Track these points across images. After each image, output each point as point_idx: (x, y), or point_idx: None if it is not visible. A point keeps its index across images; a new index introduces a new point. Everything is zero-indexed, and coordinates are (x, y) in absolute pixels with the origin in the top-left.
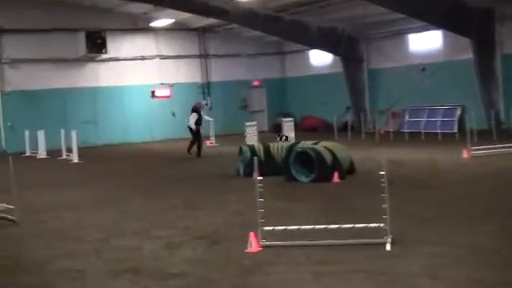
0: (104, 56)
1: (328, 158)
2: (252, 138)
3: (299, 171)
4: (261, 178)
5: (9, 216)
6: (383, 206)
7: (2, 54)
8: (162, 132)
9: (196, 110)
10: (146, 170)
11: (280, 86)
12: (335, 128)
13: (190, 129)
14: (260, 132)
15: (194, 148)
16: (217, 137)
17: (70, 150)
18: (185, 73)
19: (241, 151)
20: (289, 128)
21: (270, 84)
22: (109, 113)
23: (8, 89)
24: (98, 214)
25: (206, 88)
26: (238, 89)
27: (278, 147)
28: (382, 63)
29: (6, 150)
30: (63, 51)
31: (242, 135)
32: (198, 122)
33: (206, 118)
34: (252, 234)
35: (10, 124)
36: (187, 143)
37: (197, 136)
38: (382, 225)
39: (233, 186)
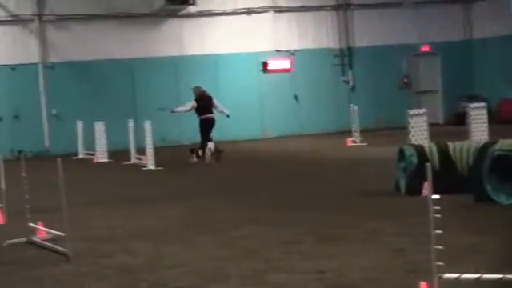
0: (191, 9)
1: None
2: (420, 134)
3: (497, 187)
4: (436, 196)
5: (59, 247)
6: None
7: (44, 9)
8: (278, 124)
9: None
10: (256, 181)
11: (464, 54)
12: None
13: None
14: (432, 125)
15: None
16: (364, 132)
17: (142, 151)
18: (313, 34)
19: (402, 155)
20: (479, 118)
21: (448, 50)
22: None
23: (52, 59)
24: (187, 246)
25: (345, 57)
26: (396, 58)
27: (461, 149)
28: None
29: (50, 149)
30: (130, 3)
31: (403, 130)
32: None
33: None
34: (423, 284)
35: (54, 112)
36: (315, 141)
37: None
38: None
39: (389, 207)
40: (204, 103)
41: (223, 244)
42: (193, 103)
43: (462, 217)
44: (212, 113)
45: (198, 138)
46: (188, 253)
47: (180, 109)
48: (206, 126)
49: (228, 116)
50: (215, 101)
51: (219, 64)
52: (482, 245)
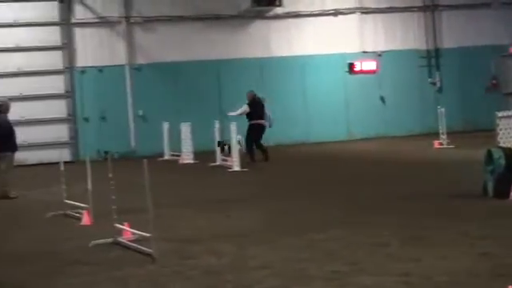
0: (278, 11)
1: None
2: (508, 136)
3: None
4: None
5: (144, 248)
6: None
7: (131, 11)
8: (363, 126)
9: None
10: (341, 183)
11: None
12: None
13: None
14: None
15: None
16: (451, 135)
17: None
18: (400, 35)
19: (490, 157)
20: None
21: None
22: (283, 97)
23: (139, 61)
24: (271, 248)
25: (432, 58)
26: (484, 59)
27: None
28: None
29: (136, 150)
30: (217, 5)
31: (491, 132)
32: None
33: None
34: None
35: (141, 113)
36: (401, 143)
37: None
38: None
39: (476, 210)
40: (256, 108)
41: (307, 246)
42: (245, 108)
43: None
44: (263, 119)
45: (282, 139)
46: (272, 254)
47: (233, 113)
48: (256, 131)
49: (270, 126)
50: (266, 108)
51: (305, 65)
52: None
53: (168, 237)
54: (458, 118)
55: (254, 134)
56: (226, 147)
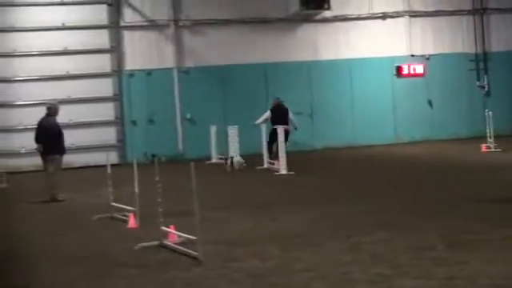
0: (326, 14)
1: None
2: None
3: None
4: None
5: (190, 251)
6: None
7: (180, 14)
8: (411, 130)
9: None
10: (388, 187)
11: None
12: None
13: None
14: None
15: None
16: (498, 138)
17: (276, 156)
18: (448, 38)
19: None
20: None
21: None
22: (330, 100)
23: (187, 64)
24: (316, 251)
25: (480, 62)
26: None
27: None
28: None
29: (184, 153)
30: (266, 8)
31: None
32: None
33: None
34: None
35: (189, 116)
36: (448, 146)
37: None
38: None
39: None
40: (277, 114)
41: (352, 249)
42: (268, 113)
43: None
44: (286, 124)
45: (330, 142)
46: (317, 257)
47: (258, 120)
48: (277, 136)
49: (296, 128)
50: (290, 114)
51: (353, 68)
52: None
53: (214, 239)
54: (505, 122)
55: (275, 138)
56: (231, 160)
